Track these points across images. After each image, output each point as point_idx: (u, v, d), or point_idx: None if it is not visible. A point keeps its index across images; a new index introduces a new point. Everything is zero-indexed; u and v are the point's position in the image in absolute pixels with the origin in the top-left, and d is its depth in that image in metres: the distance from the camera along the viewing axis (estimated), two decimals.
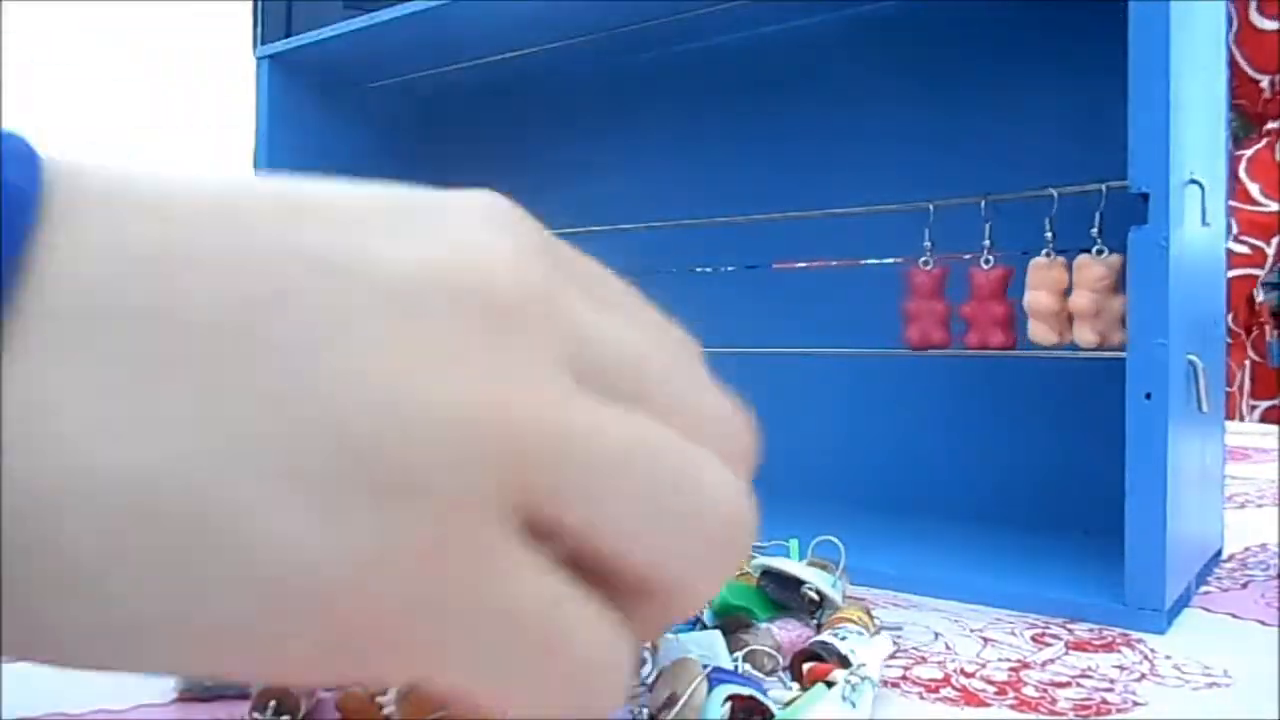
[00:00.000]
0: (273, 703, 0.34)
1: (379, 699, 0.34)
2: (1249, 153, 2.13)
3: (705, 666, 0.34)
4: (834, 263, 0.74)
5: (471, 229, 0.15)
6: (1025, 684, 0.40)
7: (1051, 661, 0.43)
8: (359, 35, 0.75)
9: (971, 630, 0.45)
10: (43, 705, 0.36)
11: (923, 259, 0.57)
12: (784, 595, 0.43)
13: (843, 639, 0.40)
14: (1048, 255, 0.53)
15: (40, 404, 0.13)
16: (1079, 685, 0.40)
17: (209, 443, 0.13)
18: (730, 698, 0.33)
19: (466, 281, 0.15)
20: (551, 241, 0.17)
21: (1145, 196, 0.46)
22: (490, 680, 0.15)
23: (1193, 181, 0.49)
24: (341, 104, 0.86)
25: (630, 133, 0.83)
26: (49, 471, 0.13)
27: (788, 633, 0.42)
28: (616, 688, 0.15)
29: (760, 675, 0.39)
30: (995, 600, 0.51)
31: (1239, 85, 2.11)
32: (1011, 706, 0.38)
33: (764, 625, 0.42)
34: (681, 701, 0.31)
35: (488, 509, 0.14)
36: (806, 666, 0.38)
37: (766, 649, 0.40)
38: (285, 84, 0.82)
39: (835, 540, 0.48)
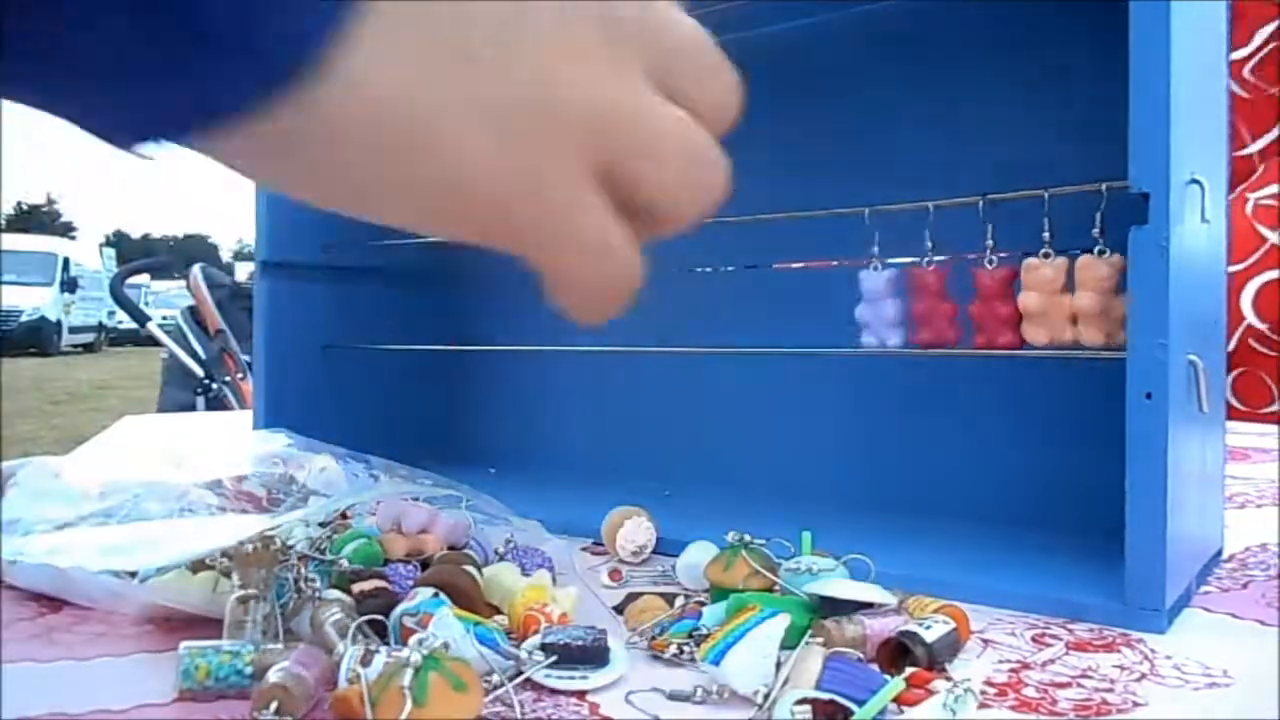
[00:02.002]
0: (274, 703, 0.34)
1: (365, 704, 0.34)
2: None
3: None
4: (834, 263, 0.74)
5: None
6: (1025, 684, 0.40)
7: (1052, 662, 0.43)
8: None
9: (972, 631, 0.45)
10: (43, 705, 0.36)
11: (925, 259, 0.57)
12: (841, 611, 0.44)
13: (928, 629, 0.41)
14: (1044, 255, 0.53)
15: (357, 63, 0.21)
16: (1079, 685, 0.40)
17: (449, 94, 0.22)
18: (811, 702, 0.34)
19: (601, 12, 0.24)
20: None
21: (1145, 196, 0.46)
22: (563, 255, 0.25)
23: (1193, 181, 0.49)
24: None
25: None
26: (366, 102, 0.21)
27: (876, 622, 0.42)
28: (633, 271, 0.26)
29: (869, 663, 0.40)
30: (995, 600, 0.51)
31: None
32: (1012, 707, 0.38)
33: (857, 616, 0.43)
34: (783, 676, 0.37)
35: (584, 156, 0.24)
36: (907, 671, 0.39)
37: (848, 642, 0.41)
38: None
39: (867, 559, 0.48)
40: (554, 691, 0.39)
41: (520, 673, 0.39)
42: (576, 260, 0.25)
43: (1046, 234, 0.53)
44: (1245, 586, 0.54)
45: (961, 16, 0.66)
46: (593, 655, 0.40)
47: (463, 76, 0.22)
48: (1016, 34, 0.65)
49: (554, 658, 0.40)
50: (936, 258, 0.57)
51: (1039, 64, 0.64)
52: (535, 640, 0.41)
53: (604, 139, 0.24)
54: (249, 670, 0.37)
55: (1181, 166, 0.47)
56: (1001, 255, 0.55)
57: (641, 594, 0.50)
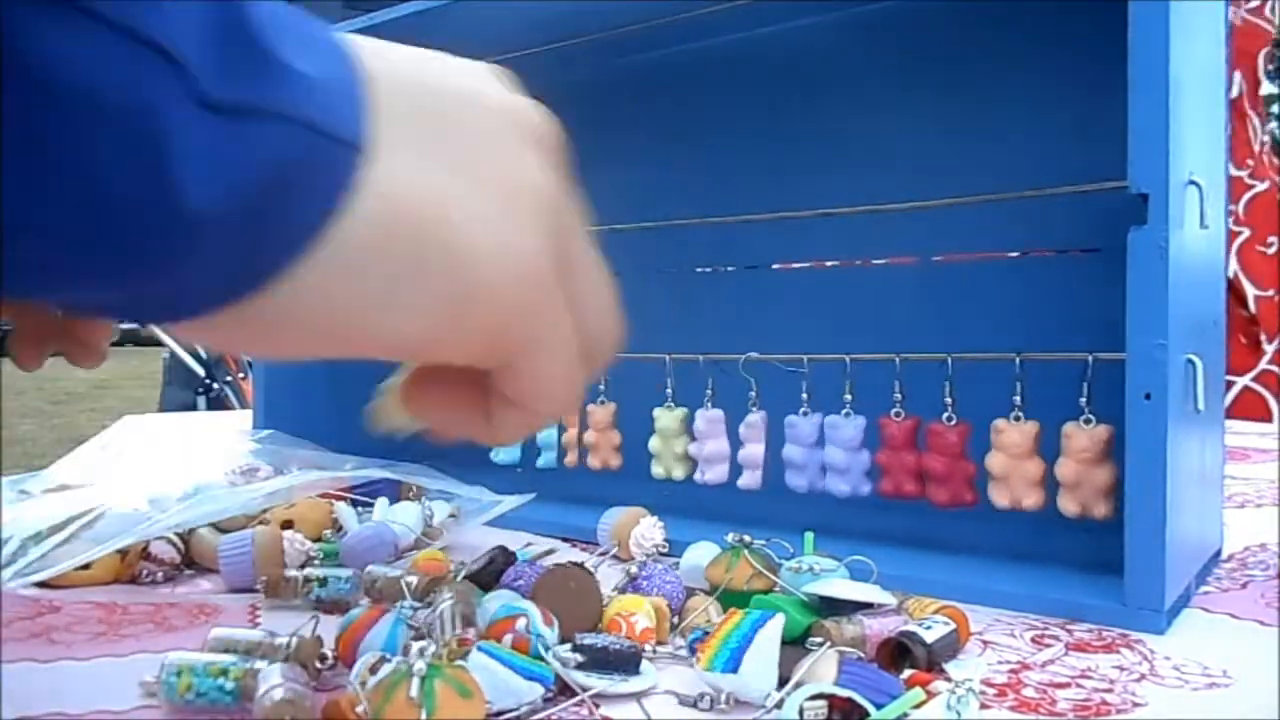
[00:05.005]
0: None
1: (357, 709, 0.33)
2: None
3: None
4: (834, 263, 0.74)
5: (515, 94, 0.27)
6: (1025, 685, 0.40)
7: (1051, 662, 0.43)
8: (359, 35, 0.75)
9: (971, 631, 0.45)
10: (43, 705, 0.36)
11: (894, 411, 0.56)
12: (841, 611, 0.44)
13: (928, 629, 0.41)
14: (1014, 419, 0.54)
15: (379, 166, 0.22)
16: (1079, 686, 0.40)
17: (455, 187, 0.23)
18: (828, 697, 0.34)
19: (535, 124, 0.26)
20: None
21: (1145, 197, 0.46)
22: (551, 346, 0.26)
23: (1192, 183, 0.49)
24: None
25: (630, 132, 0.83)
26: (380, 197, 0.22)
27: (876, 622, 0.42)
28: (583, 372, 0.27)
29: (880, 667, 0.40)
30: (995, 600, 0.51)
31: None
32: (1011, 708, 0.38)
33: (856, 616, 0.43)
34: (796, 678, 0.37)
35: (552, 244, 0.25)
36: (907, 673, 0.39)
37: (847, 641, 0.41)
38: None
39: (868, 561, 0.48)
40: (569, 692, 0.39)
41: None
42: (556, 354, 0.26)
43: (1017, 398, 0.54)
44: (1244, 586, 0.54)
45: (961, 17, 0.66)
46: (624, 661, 0.40)
47: (460, 179, 0.23)
48: (1016, 34, 0.65)
49: (582, 659, 0.40)
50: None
51: (1039, 64, 0.64)
52: (565, 647, 0.41)
53: (553, 235, 0.25)
54: (233, 688, 0.37)
55: (1180, 167, 0.47)
56: (1001, 255, 0.55)
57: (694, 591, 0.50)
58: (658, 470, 0.69)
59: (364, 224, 0.21)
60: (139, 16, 0.17)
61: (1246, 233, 2.23)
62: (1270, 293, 2.26)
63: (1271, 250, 2.27)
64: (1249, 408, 2.18)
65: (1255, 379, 2.24)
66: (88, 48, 0.17)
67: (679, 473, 0.68)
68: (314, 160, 0.20)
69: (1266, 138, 2.33)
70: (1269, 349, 2.25)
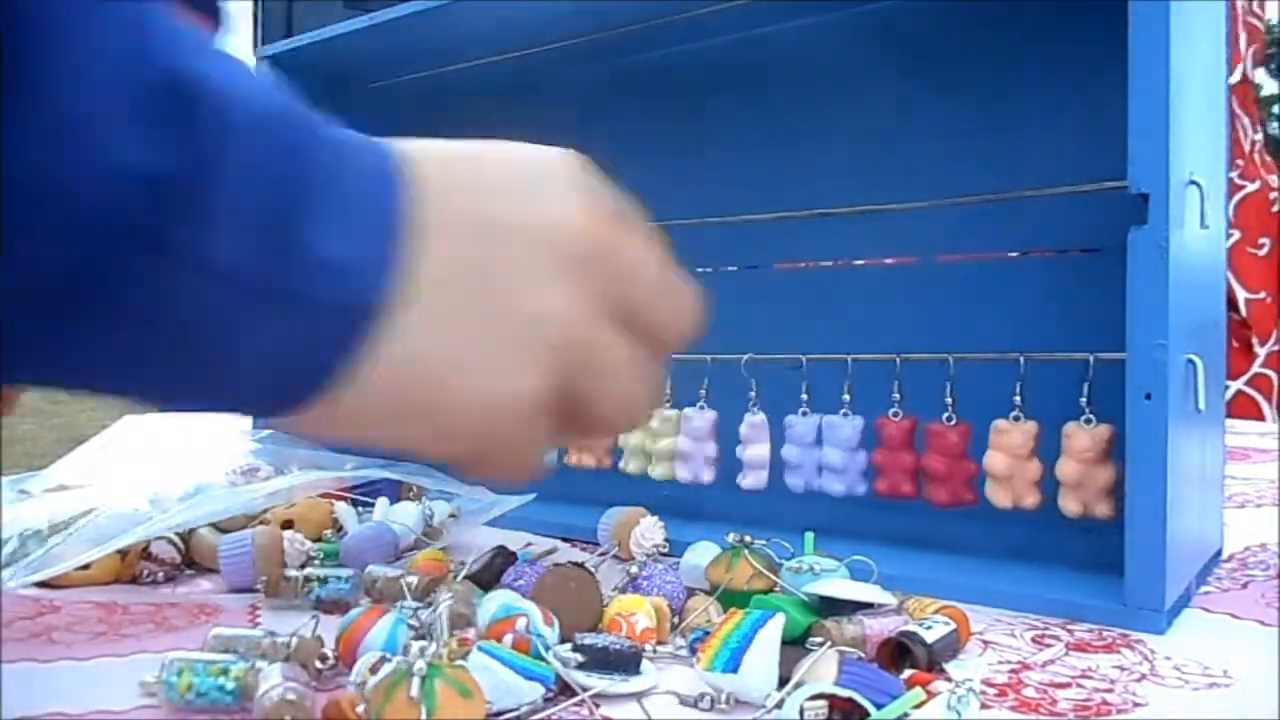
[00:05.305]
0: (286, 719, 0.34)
1: (357, 709, 0.33)
2: None
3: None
4: (834, 263, 0.74)
5: (560, 198, 0.27)
6: (1025, 685, 0.40)
7: (1052, 662, 0.43)
8: (359, 35, 0.75)
9: (972, 631, 0.45)
10: (43, 705, 0.36)
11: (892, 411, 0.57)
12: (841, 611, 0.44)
13: (928, 629, 0.41)
14: (1014, 419, 0.54)
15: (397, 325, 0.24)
16: (1079, 686, 0.40)
17: (470, 343, 0.25)
18: (828, 697, 0.34)
19: (569, 241, 0.26)
20: (612, 200, 0.29)
21: (1145, 197, 0.46)
22: (505, 465, 0.28)
23: (1192, 183, 0.49)
24: (342, 104, 0.85)
25: (630, 132, 0.83)
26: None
27: (876, 622, 0.42)
28: (537, 469, 0.29)
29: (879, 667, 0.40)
30: (995, 600, 0.51)
31: None
32: (1012, 708, 0.38)
33: (856, 616, 0.43)
34: (795, 679, 0.37)
35: (547, 378, 0.26)
36: (908, 673, 0.39)
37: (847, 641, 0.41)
38: (285, 84, 0.82)
39: (869, 561, 0.48)
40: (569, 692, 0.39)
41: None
42: (509, 464, 0.29)
43: (1017, 398, 0.54)
44: (1245, 586, 0.54)
45: (961, 17, 0.66)
46: (625, 661, 0.40)
47: (479, 329, 0.25)
48: (1017, 34, 0.65)
49: (583, 659, 0.40)
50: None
51: (1039, 64, 0.64)
52: (566, 646, 0.41)
53: (561, 364, 0.27)
54: (233, 688, 0.37)
55: (1180, 167, 0.47)
56: (1003, 254, 0.55)
57: (694, 591, 0.50)
58: (655, 471, 0.69)
59: (369, 389, 0.24)
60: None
61: (1237, 235, 2.22)
62: (1262, 295, 2.25)
63: (1263, 252, 2.25)
64: (1242, 411, 2.17)
65: (1248, 383, 2.23)
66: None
67: (666, 473, 0.68)
68: (321, 336, 0.23)
69: (1258, 137, 2.32)
70: (1261, 352, 2.24)
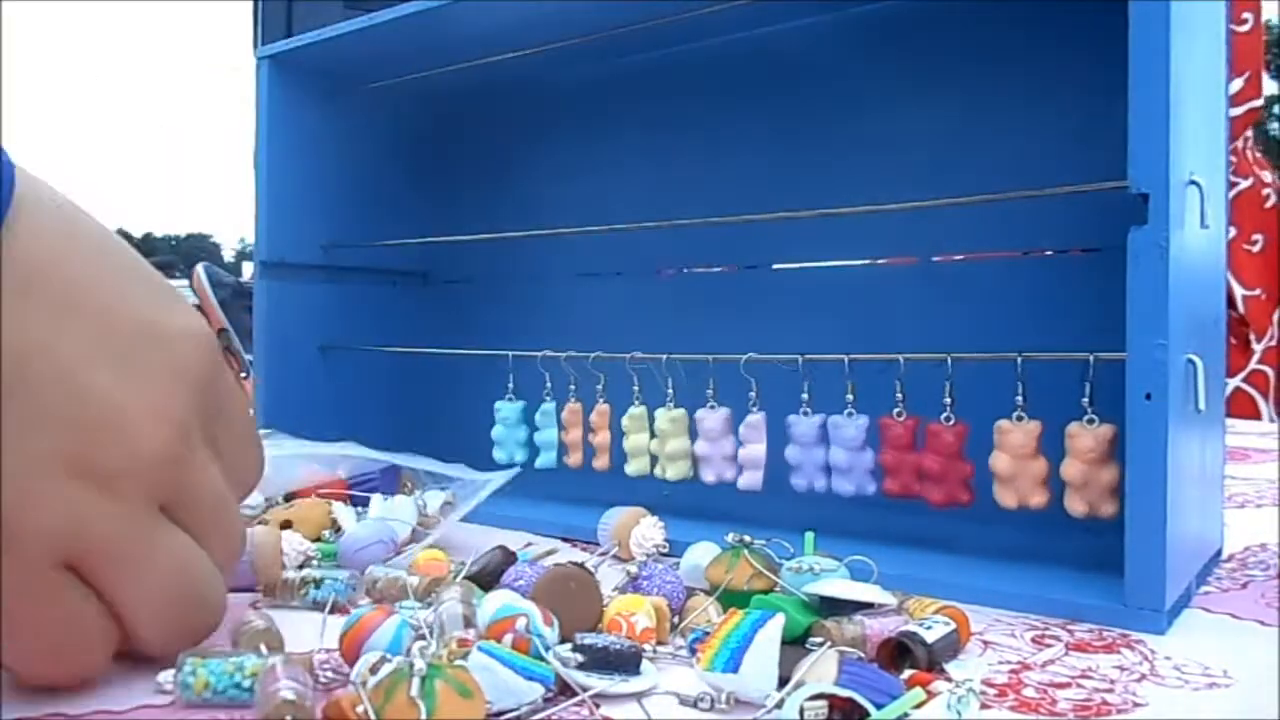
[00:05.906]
0: (287, 718, 0.34)
1: (358, 709, 0.33)
2: None
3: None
4: (834, 263, 0.74)
5: (146, 398, 0.33)
6: (1025, 685, 0.40)
7: (1052, 662, 0.43)
8: (359, 36, 0.75)
9: (972, 632, 0.45)
10: (43, 705, 0.36)
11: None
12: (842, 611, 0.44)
13: (928, 629, 0.41)
14: (1017, 419, 0.54)
15: None
16: (1079, 686, 0.40)
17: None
18: (828, 697, 0.34)
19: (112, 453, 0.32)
20: (206, 403, 0.35)
21: (1145, 197, 0.46)
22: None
23: (1192, 182, 0.49)
24: (341, 104, 0.86)
25: (630, 133, 0.83)
26: None
27: (876, 622, 0.42)
28: (88, 666, 0.35)
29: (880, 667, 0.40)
30: (995, 600, 0.51)
31: None
32: (1012, 708, 0.38)
33: (856, 616, 0.42)
34: (795, 679, 0.37)
35: (49, 557, 0.32)
36: (907, 673, 0.39)
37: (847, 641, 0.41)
38: (285, 84, 0.82)
39: (869, 561, 0.48)
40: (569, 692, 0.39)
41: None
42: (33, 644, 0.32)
43: (1019, 398, 0.54)
44: (1245, 586, 0.54)
45: (961, 17, 0.66)
46: (625, 661, 0.40)
47: None
48: (1016, 34, 0.65)
49: (583, 658, 0.39)
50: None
51: (1039, 64, 0.64)
52: (566, 646, 0.41)
53: (77, 544, 0.30)
54: (248, 684, 0.37)
55: (1180, 167, 0.47)
56: (998, 253, 0.55)
57: (694, 591, 0.50)
58: (657, 471, 0.69)
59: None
60: None
61: (1232, 231, 2.22)
62: (1257, 291, 2.25)
63: (1257, 248, 2.25)
64: (1239, 408, 2.18)
65: (1245, 379, 2.24)
66: None
67: (670, 472, 0.68)
68: None
69: (1249, 134, 2.32)
70: (1258, 348, 2.24)
